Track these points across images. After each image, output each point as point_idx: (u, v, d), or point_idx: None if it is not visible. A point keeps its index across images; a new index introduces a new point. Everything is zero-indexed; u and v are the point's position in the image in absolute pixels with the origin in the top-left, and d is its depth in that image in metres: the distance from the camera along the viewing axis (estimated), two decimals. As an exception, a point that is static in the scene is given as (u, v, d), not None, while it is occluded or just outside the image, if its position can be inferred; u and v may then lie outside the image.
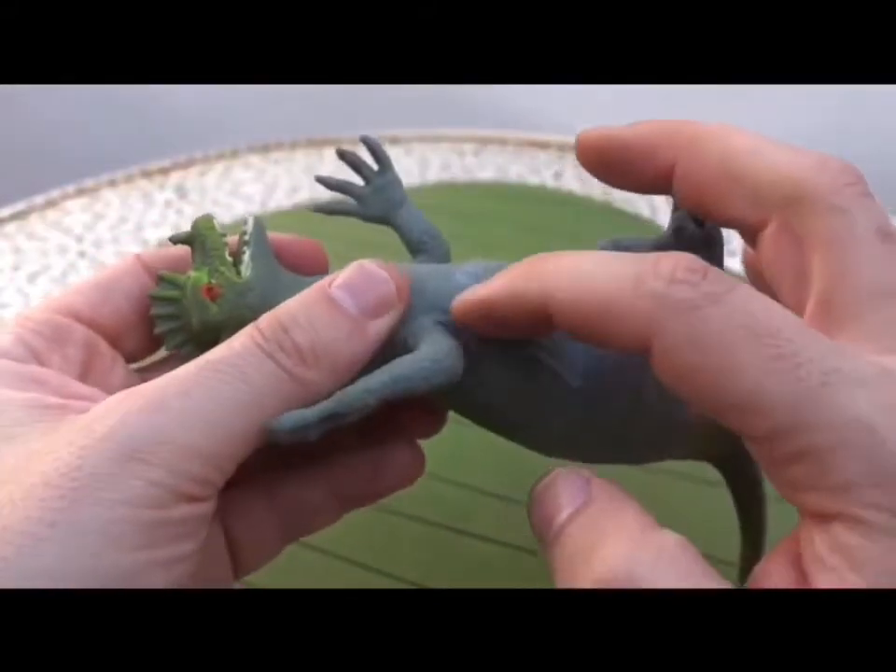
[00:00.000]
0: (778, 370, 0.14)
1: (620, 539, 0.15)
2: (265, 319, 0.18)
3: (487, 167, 0.54)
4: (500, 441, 0.23)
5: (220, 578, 0.21)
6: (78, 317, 0.21)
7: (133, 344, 0.22)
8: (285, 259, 0.22)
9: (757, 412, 0.14)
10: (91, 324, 0.21)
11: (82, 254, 0.46)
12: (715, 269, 0.15)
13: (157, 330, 0.21)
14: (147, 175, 0.53)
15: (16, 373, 0.18)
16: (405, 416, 0.22)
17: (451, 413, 0.22)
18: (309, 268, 0.22)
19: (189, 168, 0.53)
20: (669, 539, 0.15)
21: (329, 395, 0.18)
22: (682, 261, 0.15)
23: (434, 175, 0.53)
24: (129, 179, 0.52)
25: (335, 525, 0.23)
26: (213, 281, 0.21)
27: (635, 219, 0.48)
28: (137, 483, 0.16)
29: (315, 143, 0.56)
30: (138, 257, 0.22)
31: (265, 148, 0.55)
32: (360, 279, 0.19)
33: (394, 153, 0.55)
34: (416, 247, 0.22)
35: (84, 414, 0.17)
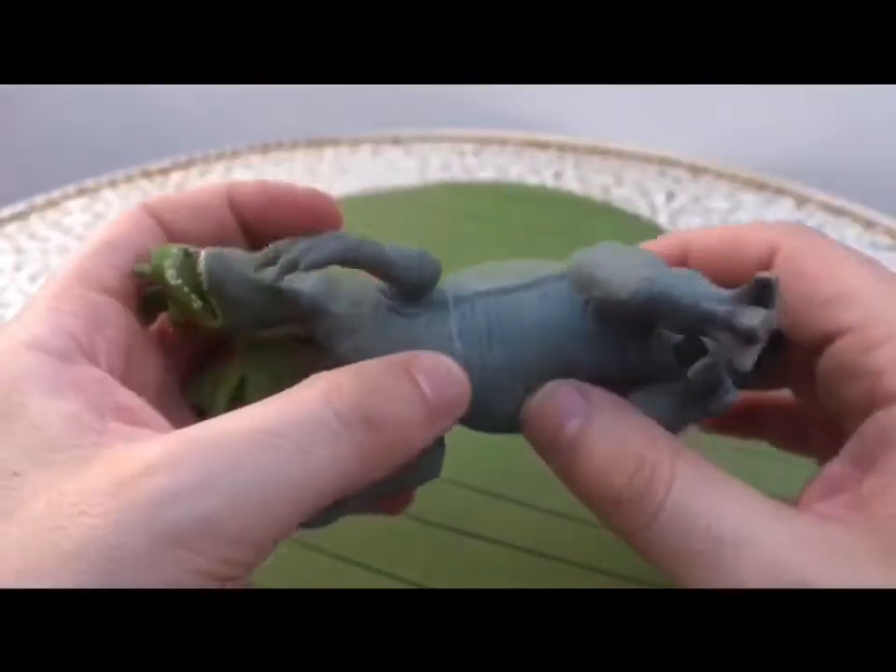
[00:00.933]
0: (872, 272, 0.18)
1: (639, 439, 0.17)
2: (348, 381, 0.16)
3: (487, 167, 0.54)
4: (501, 441, 0.23)
5: None
6: (107, 288, 0.18)
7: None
8: (290, 217, 0.20)
9: (854, 302, 0.18)
10: (118, 294, 0.19)
11: (82, 254, 0.46)
12: None
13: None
14: (147, 175, 0.53)
15: (53, 376, 0.16)
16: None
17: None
18: (323, 225, 0.21)
19: (190, 168, 0.53)
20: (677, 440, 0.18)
21: (377, 485, 0.17)
22: None
23: (434, 174, 0.53)
24: (129, 179, 0.52)
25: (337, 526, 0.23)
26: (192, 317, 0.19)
27: (634, 219, 0.48)
28: (176, 571, 0.15)
29: (315, 143, 0.56)
30: (145, 207, 0.20)
31: (265, 148, 0.55)
32: (443, 374, 0.18)
33: (394, 153, 0.55)
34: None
35: (120, 462, 0.15)
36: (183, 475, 0.15)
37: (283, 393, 0.17)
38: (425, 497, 0.24)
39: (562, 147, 0.56)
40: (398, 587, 0.27)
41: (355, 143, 0.56)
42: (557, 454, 0.18)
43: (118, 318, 0.19)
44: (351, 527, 0.29)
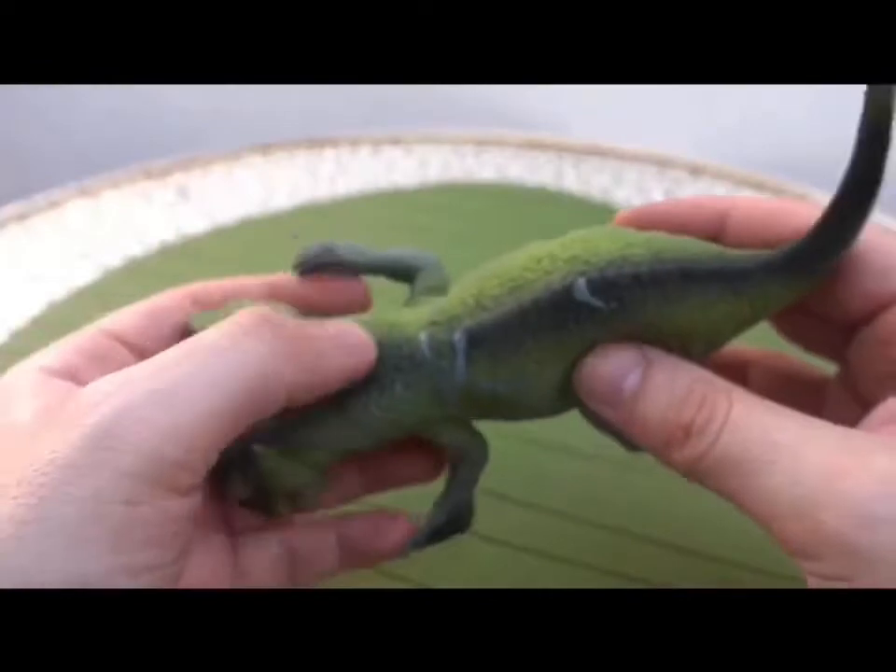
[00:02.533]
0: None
1: (701, 382, 0.19)
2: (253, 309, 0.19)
3: (487, 167, 0.54)
4: (500, 442, 0.23)
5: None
6: (123, 340, 0.21)
7: None
8: (318, 303, 0.23)
9: None
10: (134, 349, 0.21)
11: (84, 255, 0.46)
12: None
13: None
14: (148, 174, 0.53)
15: (44, 382, 0.18)
16: (402, 461, 0.24)
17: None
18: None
19: (191, 168, 0.53)
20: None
21: (305, 397, 0.19)
22: None
23: (434, 175, 0.53)
24: (130, 179, 0.52)
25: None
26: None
27: (635, 219, 0.48)
28: (105, 473, 0.15)
29: (315, 143, 0.56)
30: (190, 293, 0.22)
31: (265, 149, 0.56)
32: (347, 329, 0.20)
33: (394, 153, 0.55)
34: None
35: (78, 395, 0.17)
36: (103, 388, 0.17)
37: None
38: (425, 497, 0.24)
39: (561, 148, 0.56)
40: (399, 587, 0.27)
41: (355, 143, 0.56)
42: (617, 407, 0.19)
43: (119, 359, 0.20)
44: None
